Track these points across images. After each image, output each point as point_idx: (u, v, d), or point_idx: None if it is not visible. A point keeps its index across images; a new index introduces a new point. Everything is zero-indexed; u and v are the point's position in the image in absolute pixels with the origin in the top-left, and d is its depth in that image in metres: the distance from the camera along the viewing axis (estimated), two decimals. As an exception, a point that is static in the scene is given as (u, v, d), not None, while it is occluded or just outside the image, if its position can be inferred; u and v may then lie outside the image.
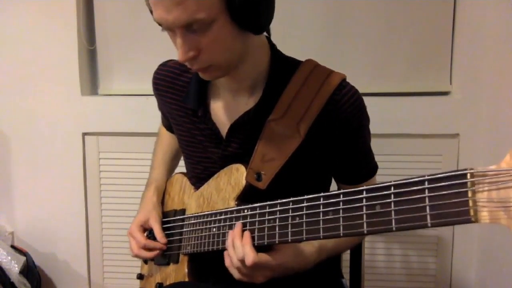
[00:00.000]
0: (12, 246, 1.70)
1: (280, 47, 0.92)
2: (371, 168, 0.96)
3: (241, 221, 0.81)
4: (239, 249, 0.76)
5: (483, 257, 1.53)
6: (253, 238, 0.78)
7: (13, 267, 1.57)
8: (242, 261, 0.76)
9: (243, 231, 0.79)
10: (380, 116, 1.50)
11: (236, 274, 0.79)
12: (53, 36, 1.68)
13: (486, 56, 1.47)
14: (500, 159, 0.50)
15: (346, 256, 1.17)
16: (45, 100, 1.72)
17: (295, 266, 0.82)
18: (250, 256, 0.74)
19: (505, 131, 1.39)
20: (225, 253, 0.81)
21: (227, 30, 0.75)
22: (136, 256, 1.01)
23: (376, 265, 1.63)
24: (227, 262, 0.80)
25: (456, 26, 1.53)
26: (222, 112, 0.93)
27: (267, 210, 0.77)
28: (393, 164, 1.55)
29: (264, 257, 0.76)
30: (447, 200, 0.55)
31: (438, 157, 1.56)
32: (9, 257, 1.58)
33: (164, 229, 1.02)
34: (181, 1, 0.69)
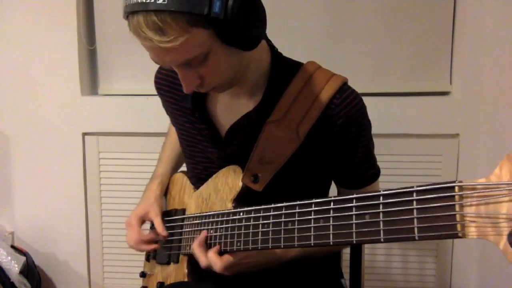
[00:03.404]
0: (12, 246, 1.70)
1: (280, 47, 0.92)
2: (372, 173, 0.95)
3: (206, 230, 0.88)
4: (200, 257, 0.85)
5: (483, 258, 1.53)
6: (247, 242, 0.80)
7: (13, 267, 1.57)
8: (210, 266, 0.84)
9: (207, 241, 0.87)
10: (380, 116, 1.50)
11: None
12: (53, 36, 1.68)
13: (486, 56, 1.47)
14: (499, 160, 0.50)
15: (346, 256, 1.17)
16: (45, 100, 1.72)
17: (260, 260, 0.86)
18: (218, 264, 0.82)
19: (505, 131, 1.39)
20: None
21: (224, 54, 0.75)
22: (132, 247, 1.01)
23: (376, 265, 1.63)
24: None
25: (456, 26, 1.53)
26: (221, 113, 0.93)
27: (261, 214, 0.78)
28: (393, 164, 1.55)
29: (227, 258, 0.83)
30: (434, 214, 0.54)
31: (438, 157, 1.56)
32: (9, 257, 1.58)
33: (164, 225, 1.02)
34: (171, 49, 0.69)
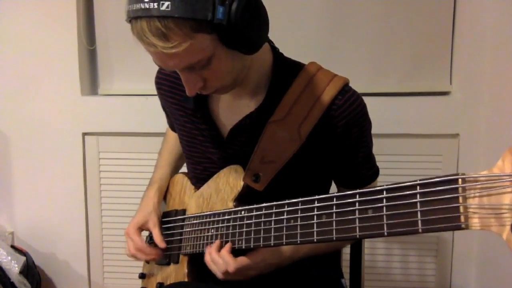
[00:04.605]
0: (12, 246, 1.70)
1: (281, 47, 0.92)
2: (372, 173, 0.96)
3: (219, 240, 0.85)
4: (219, 263, 0.82)
5: (483, 258, 1.53)
6: (248, 240, 0.79)
7: (13, 267, 1.57)
8: (226, 271, 0.81)
9: (223, 242, 0.84)
10: (380, 116, 1.50)
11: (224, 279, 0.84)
12: (53, 36, 1.68)
13: (486, 56, 1.47)
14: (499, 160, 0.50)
15: (346, 256, 1.17)
16: (45, 100, 1.72)
17: (274, 261, 0.85)
18: (231, 264, 0.80)
19: (505, 131, 1.39)
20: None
21: (226, 58, 0.75)
22: (133, 256, 1.01)
23: (376, 265, 1.63)
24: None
25: (456, 26, 1.53)
26: (223, 113, 0.93)
27: (263, 212, 0.78)
28: (393, 164, 1.55)
29: (243, 260, 0.81)
30: (438, 206, 0.54)
31: (438, 157, 1.56)
32: (9, 257, 1.58)
33: (164, 229, 1.02)
34: (175, 54, 0.69)
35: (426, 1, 1.52)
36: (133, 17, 0.69)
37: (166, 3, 0.65)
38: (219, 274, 0.83)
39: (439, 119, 1.54)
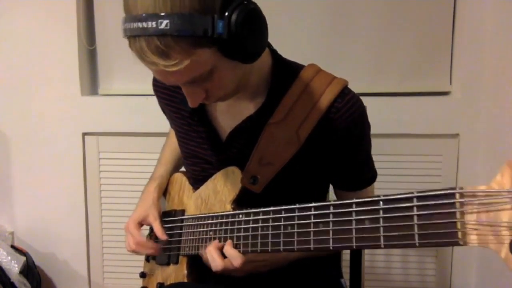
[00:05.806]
0: (12, 246, 1.70)
1: (280, 47, 0.92)
2: (370, 177, 0.96)
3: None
4: (218, 261, 0.81)
5: (483, 258, 1.53)
6: (246, 245, 0.79)
7: (13, 267, 1.57)
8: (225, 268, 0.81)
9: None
10: (380, 116, 1.50)
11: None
12: (53, 36, 1.68)
13: (486, 56, 1.47)
14: (499, 160, 0.50)
15: (346, 256, 1.17)
16: (45, 100, 1.72)
17: (270, 259, 0.86)
18: (238, 258, 0.79)
19: (505, 131, 1.39)
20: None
21: (228, 68, 0.74)
22: (133, 251, 1.00)
23: (376, 265, 1.63)
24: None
25: (456, 26, 1.53)
26: (221, 116, 0.93)
27: (261, 217, 0.77)
28: (393, 164, 1.55)
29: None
30: (435, 221, 0.53)
31: (438, 157, 1.56)
32: (9, 257, 1.58)
33: (164, 229, 1.02)
34: (176, 71, 0.68)
35: (426, 1, 1.52)
36: (131, 36, 0.68)
37: (165, 22, 0.64)
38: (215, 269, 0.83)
39: (439, 119, 1.54)
